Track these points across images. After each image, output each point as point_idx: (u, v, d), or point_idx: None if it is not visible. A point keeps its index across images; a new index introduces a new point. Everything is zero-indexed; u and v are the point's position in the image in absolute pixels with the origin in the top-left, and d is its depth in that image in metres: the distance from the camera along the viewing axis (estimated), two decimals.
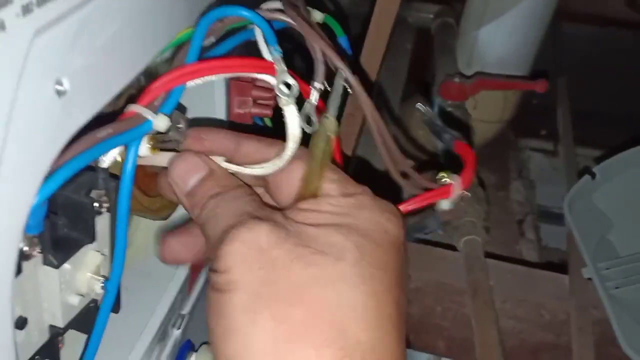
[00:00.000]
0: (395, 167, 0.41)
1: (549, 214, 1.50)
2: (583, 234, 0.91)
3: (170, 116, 0.43)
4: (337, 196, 0.34)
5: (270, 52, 0.42)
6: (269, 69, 0.40)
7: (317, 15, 0.51)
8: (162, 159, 0.44)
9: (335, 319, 0.29)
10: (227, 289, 0.30)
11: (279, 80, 0.40)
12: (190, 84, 0.40)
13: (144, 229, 0.55)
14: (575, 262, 0.91)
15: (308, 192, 0.35)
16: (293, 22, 0.44)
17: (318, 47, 0.41)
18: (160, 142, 0.44)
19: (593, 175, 0.96)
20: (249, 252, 0.30)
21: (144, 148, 0.43)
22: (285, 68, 0.41)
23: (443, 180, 0.44)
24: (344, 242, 0.31)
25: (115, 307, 0.42)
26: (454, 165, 0.45)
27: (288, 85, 0.39)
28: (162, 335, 0.53)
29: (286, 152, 0.38)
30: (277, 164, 0.38)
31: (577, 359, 0.82)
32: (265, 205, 0.35)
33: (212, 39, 0.51)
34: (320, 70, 0.41)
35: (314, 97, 0.41)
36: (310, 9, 0.50)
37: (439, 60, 1.15)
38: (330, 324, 0.29)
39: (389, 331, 0.30)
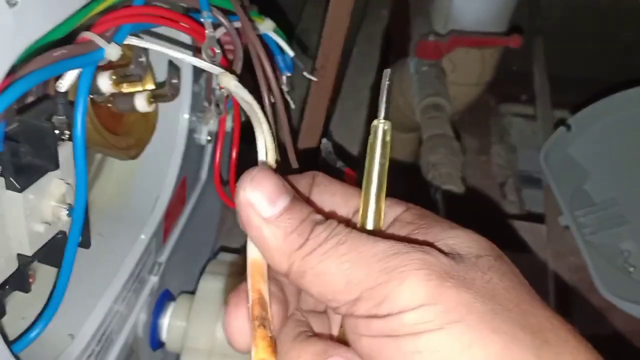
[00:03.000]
0: None
1: (530, 178, 1.51)
2: (559, 184, 0.92)
3: (133, 52, 0.44)
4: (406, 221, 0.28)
5: (203, 17, 0.44)
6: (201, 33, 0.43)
7: (269, 24, 0.52)
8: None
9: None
10: (427, 328, 0.23)
11: (206, 44, 0.44)
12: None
13: (117, 177, 0.55)
14: (552, 212, 0.92)
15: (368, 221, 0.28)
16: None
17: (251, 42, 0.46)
18: (123, 76, 0.44)
19: (568, 127, 0.97)
20: (443, 279, 0.24)
21: (107, 83, 0.44)
22: (214, 35, 0.45)
23: None
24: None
25: (85, 242, 0.43)
26: None
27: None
28: (138, 281, 0.53)
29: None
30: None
31: (554, 305, 0.83)
32: None
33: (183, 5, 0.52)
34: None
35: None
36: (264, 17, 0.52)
37: (415, 21, 1.15)
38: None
39: None
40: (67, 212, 0.38)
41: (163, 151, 0.57)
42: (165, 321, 0.59)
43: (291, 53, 0.51)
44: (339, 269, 0.25)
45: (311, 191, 0.30)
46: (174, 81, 0.48)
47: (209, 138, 0.65)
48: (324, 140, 0.57)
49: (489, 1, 1.17)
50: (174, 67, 0.49)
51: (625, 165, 0.93)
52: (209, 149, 0.70)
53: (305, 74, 0.51)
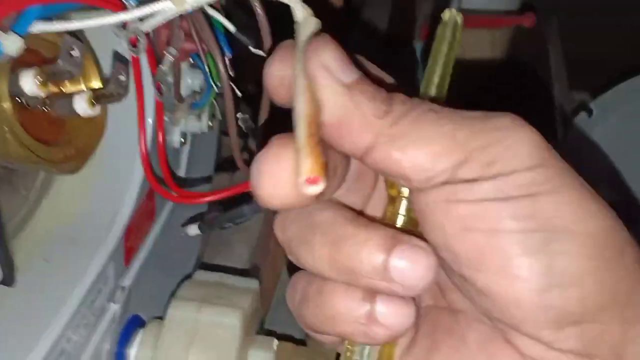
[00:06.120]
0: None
1: None
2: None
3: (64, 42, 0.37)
4: None
5: None
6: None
7: None
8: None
9: None
10: (545, 190, 0.22)
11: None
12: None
13: (68, 192, 0.48)
14: None
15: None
16: None
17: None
18: (51, 74, 0.37)
19: (590, 112, 0.89)
20: (547, 143, 0.23)
21: (33, 84, 0.36)
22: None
23: None
24: None
25: (7, 279, 0.36)
26: None
27: None
28: (93, 311, 0.46)
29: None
30: None
31: None
32: None
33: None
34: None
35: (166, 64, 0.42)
36: None
37: (420, 2, 1.07)
38: None
39: None
40: None
41: (123, 160, 0.49)
42: (132, 351, 0.52)
43: (232, 28, 0.41)
44: (439, 131, 0.22)
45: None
46: (121, 77, 0.41)
47: (183, 140, 0.57)
48: (239, 115, 0.48)
49: None
50: (120, 60, 0.42)
51: None
52: (184, 152, 0.63)
53: (251, 48, 0.41)
